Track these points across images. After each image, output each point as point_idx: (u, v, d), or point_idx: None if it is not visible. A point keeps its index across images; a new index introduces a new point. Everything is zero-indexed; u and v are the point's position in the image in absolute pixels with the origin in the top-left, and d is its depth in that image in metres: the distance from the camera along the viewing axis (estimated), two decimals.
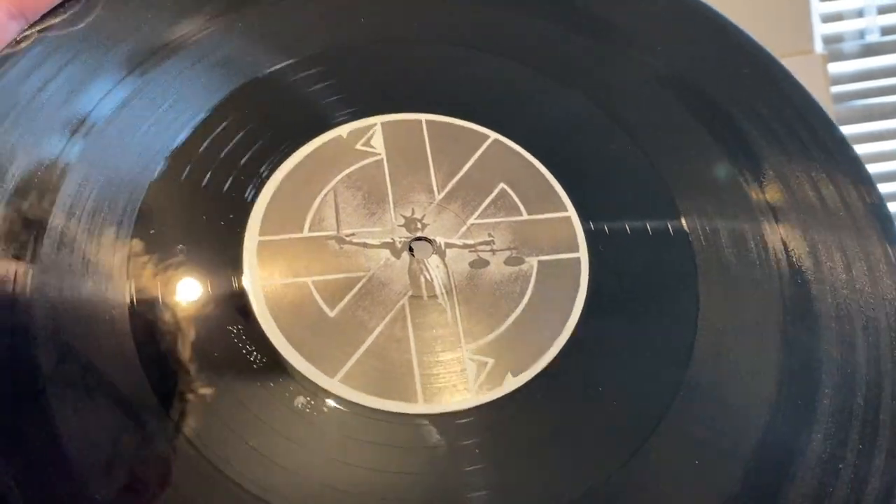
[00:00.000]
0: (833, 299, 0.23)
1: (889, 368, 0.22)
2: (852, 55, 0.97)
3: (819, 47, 0.95)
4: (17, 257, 0.20)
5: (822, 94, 0.79)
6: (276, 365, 0.20)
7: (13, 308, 0.20)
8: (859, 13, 0.97)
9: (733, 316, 0.22)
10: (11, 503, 0.18)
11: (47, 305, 0.20)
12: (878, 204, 0.24)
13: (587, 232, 0.23)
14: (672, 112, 0.25)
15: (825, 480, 0.20)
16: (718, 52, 0.27)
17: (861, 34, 0.97)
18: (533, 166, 0.24)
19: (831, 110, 0.79)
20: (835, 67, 0.95)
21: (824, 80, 0.81)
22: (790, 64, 0.25)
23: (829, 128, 0.25)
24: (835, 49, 0.96)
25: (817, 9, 0.94)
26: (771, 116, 0.25)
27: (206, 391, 0.20)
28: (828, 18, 0.96)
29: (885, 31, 0.97)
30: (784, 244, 0.23)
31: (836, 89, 0.95)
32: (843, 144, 0.25)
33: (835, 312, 0.22)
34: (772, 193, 0.24)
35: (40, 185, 0.21)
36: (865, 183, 0.25)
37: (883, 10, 0.97)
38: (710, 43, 0.27)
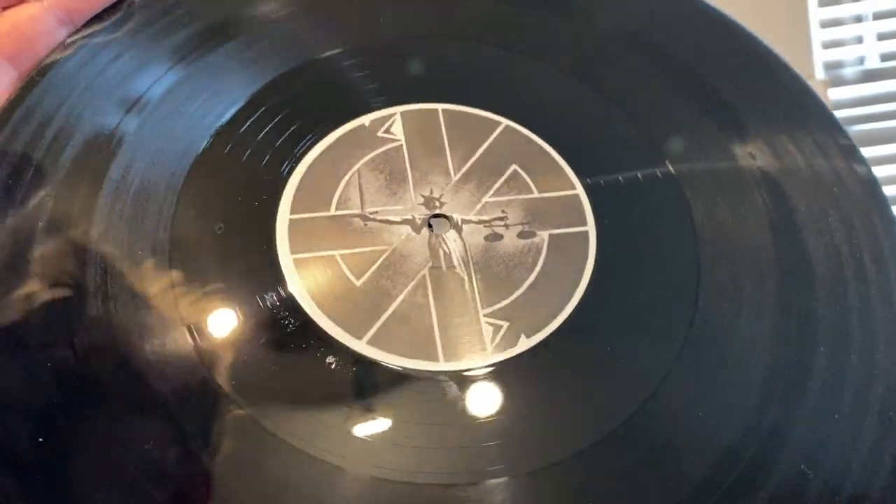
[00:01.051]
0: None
1: None
2: (852, 81, 0.99)
3: (820, 73, 0.97)
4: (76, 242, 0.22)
5: None
6: (308, 329, 0.22)
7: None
8: (859, 40, 0.99)
9: (730, 266, 0.24)
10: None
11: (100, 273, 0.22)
12: (850, 146, 0.26)
13: (594, 207, 0.25)
14: (663, 89, 0.27)
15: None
16: (711, 41, 0.29)
17: (861, 60, 0.99)
18: (542, 149, 0.26)
19: None
20: (835, 93, 0.98)
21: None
22: None
23: (804, 89, 0.28)
24: (835, 75, 0.98)
25: (818, 35, 0.97)
26: (758, 90, 0.27)
27: (244, 355, 0.21)
28: (828, 45, 0.98)
29: (885, 57, 0.99)
30: (766, 177, 0.25)
31: (837, 114, 0.97)
32: (815, 102, 0.27)
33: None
34: (756, 151, 0.26)
35: (94, 159, 0.23)
36: (838, 132, 0.27)
37: (882, 37, 0.99)
38: (708, 36, 0.29)
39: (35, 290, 0.22)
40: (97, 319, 0.21)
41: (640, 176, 0.26)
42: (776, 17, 0.91)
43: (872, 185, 0.26)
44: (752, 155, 0.26)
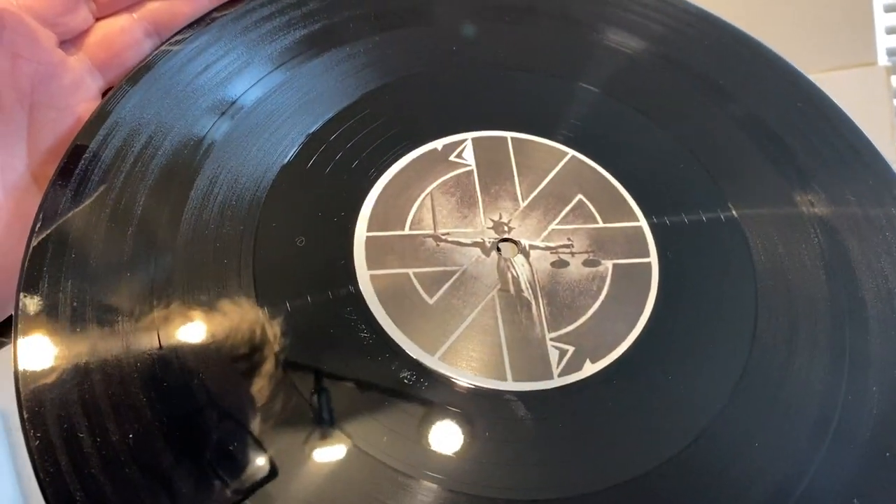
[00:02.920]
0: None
1: None
2: None
3: (883, 59, 0.98)
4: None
5: (884, 106, 0.81)
6: (383, 343, 0.23)
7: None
8: None
9: (787, 306, 0.25)
10: None
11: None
12: None
13: (657, 240, 0.26)
14: (730, 136, 0.28)
15: None
16: (777, 90, 0.30)
17: None
18: (607, 181, 0.27)
19: (893, 122, 0.81)
20: None
21: (887, 92, 0.83)
22: (853, 76, 0.28)
23: (862, 140, 0.29)
24: None
25: (881, 21, 0.97)
26: (818, 140, 0.29)
27: (323, 366, 0.23)
28: (891, 31, 0.98)
29: None
30: (823, 223, 0.27)
31: None
32: (872, 153, 0.28)
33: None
34: (814, 198, 0.27)
35: (183, 168, 0.24)
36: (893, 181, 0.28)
37: None
38: (774, 86, 0.30)
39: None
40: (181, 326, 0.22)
41: (703, 217, 0.27)
42: (839, 3, 0.91)
43: None
44: (811, 202, 0.27)
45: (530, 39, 0.30)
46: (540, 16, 0.31)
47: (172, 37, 0.29)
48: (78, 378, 0.21)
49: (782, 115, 0.29)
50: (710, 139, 0.28)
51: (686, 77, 0.30)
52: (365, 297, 0.24)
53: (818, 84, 0.30)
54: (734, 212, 0.27)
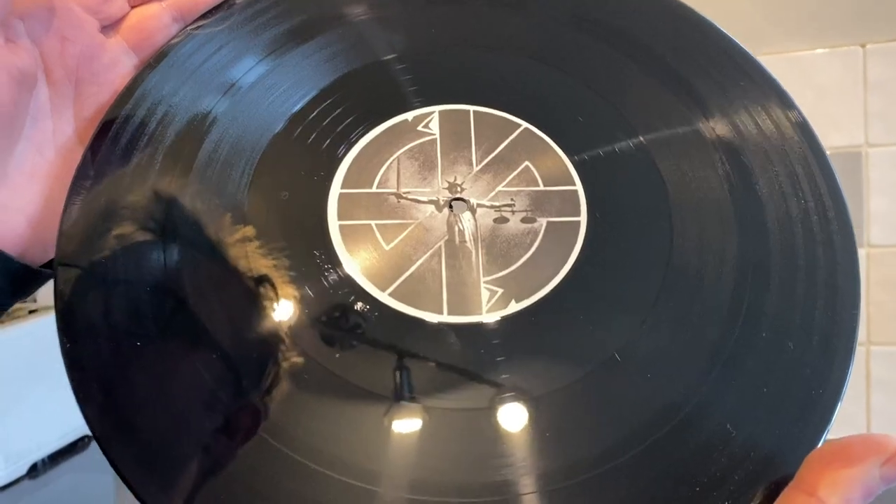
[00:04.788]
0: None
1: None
2: None
3: None
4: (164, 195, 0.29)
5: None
6: (344, 279, 0.28)
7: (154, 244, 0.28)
8: None
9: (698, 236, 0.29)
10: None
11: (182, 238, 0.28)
12: (801, 121, 0.32)
13: (589, 201, 0.30)
14: (647, 87, 0.33)
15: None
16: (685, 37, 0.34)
17: None
18: (553, 150, 0.31)
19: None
20: None
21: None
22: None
23: (758, 67, 0.33)
24: None
25: None
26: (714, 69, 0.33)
27: (294, 292, 0.28)
28: None
29: None
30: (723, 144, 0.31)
31: None
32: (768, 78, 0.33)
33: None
34: (716, 123, 0.32)
35: (194, 132, 0.30)
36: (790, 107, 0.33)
37: None
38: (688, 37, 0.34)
39: (126, 231, 0.28)
40: (179, 262, 0.28)
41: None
42: None
43: (804, 126, 0.32)
44: (713, 128, 0.32)
45: (488, 21, 0.34)
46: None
47: (195, 21, 0.34)
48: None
49: (688, 59, 0.33)
50: (633, 94, 0.33)
51: (622, 43, 0.34)
52: (333, 242, 0.29)
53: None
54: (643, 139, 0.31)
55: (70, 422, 0.82)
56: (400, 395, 0.26)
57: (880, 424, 0.91)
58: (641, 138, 0.31)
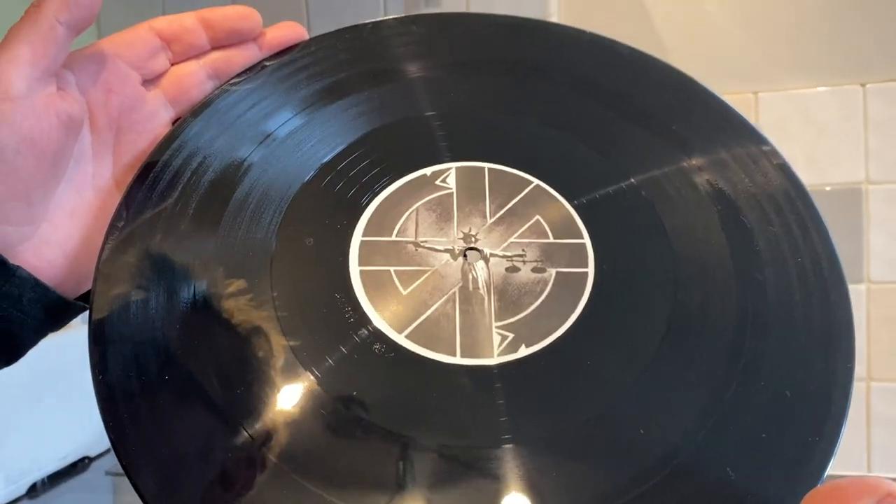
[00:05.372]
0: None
1: None
2: None
3: None
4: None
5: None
6: (363, 321, 0.30)
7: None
8: None
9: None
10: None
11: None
12: (783, 164, 0.35)
13: (596, 254, 0.32)
14: (649, 149, 0.36)
15: None
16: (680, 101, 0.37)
17: None
18: (563, 206, 0.33)
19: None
20: None
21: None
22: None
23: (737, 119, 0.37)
24: None
25: None
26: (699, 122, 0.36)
27: (316, 337, 0.29)
28: None
29: None
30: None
31: None
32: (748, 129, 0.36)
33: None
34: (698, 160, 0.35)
35: (227, 181, 0.32)
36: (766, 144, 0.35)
37: None
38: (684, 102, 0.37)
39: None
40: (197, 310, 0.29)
41: (639, 235, 0.33)
42: None
43: (785, 167, 0.35)
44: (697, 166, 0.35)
45: (514, 89, 0.37)
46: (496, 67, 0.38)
47: (230, 79, 0.36)
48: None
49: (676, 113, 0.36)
50: (638, 155, 0.35)
51: (622, 108, 0.36)
52: (354, 286, 0.30)
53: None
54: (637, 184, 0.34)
55: (70, 443, 0.83)
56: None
57: (880, 460, 0.91)
58: (637, 184, 0.34)
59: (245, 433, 0.27)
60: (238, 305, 0.29)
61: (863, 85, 0.89)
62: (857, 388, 0.91)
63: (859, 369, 0.89)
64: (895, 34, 0.88)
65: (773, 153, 0.35)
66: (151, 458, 0.26)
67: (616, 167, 0.34)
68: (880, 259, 0.89)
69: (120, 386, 0.27)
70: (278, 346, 0.29)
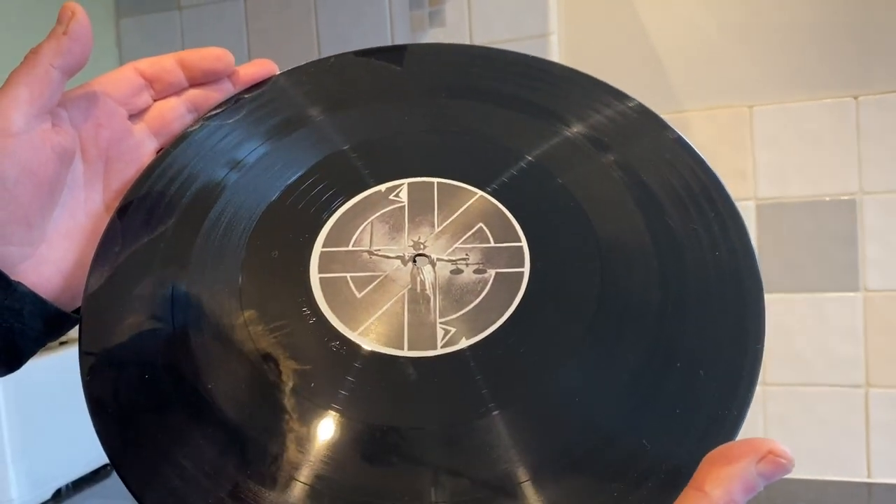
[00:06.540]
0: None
1: None
2: None
3: None
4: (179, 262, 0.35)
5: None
6: (322, 323, 0.33)
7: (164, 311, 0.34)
8: None
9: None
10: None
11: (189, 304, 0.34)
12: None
13: (532, 256, 0.35)
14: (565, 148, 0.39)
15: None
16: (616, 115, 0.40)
17: None
18: (503, 214, 0.37)
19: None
20: None
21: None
22: None
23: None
24: None
25: None
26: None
27: (280, 332, 0.33)
28: None
29: None
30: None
31: None
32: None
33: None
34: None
35: (203, 202, 0.36)
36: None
37: None
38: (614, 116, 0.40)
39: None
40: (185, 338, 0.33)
41: (571, 237, 0.36)
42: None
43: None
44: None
45: (458, 111, 0.40)
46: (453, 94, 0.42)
47: (207, 112, 0.41)
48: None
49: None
50: (575, 171, 0.38)
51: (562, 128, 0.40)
52: (314, 292, 0.34)
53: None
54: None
55: (94, 450, 0.86)
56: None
57: (880, 466, 0.92)
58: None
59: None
60: (213, 307, 0.33)
61: (855, 97, 0.91)
62: (856, 395, 0.92)
63: (858, 376, 0.91)
64: (886, 48, 0.90)
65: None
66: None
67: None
68: (876, 268, 0.91)
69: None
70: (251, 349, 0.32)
